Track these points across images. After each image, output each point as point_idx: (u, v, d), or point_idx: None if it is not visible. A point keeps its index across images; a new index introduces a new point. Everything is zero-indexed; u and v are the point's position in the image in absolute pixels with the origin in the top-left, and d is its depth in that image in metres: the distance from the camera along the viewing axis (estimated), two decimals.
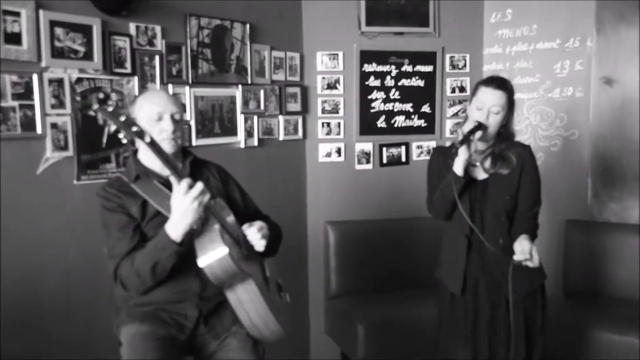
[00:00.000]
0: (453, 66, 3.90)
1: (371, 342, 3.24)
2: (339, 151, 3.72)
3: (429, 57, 3.83)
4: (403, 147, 3.87)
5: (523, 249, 2.28)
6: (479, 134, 2.31)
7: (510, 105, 2.39)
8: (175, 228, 1.80)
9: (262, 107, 3.32)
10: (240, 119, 3.20)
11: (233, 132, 3.18)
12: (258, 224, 1.99)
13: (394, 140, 3.84)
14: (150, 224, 1.93)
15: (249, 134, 3.26)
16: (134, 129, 1.66)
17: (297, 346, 3.68)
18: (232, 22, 3.12)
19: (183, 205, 1.76)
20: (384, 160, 3.83)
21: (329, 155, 3.70)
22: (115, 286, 1.96)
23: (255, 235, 1.95)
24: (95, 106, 1.65)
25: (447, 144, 3.90)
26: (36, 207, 2.38)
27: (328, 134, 3.69)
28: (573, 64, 3.63)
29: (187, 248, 1.83)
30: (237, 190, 2.20)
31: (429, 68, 3.84)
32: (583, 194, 3.62)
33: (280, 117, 3.46)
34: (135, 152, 2.06)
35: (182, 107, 2.09)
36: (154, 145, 1.71)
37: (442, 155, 2.54)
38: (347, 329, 3.37)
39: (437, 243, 3.63)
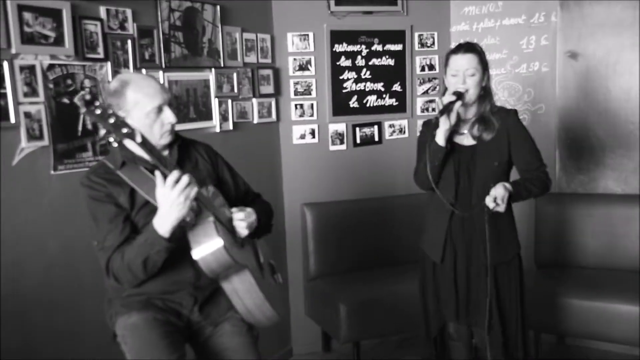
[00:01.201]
0: (422, 44, 3.93)
1: (354, 322, 3.28)
2: (312, 133, 3.71)
3: (398, 36, 3.85)
4: (376, 127, 3.89)
5: (497, 194, 2.32)
6: (458, 103, 2.37)
7: (483, 66, 2.47)
8: (163, 223, 1.75)
9: (235, 90, 3.28)
10: (214, 102, 3.16)
11: (208, 116, 3.13)
12: (246, 211, 1.97)
13: (366, 120, 3.86)
14: (140, 214, 1.88)
15: (223, 117, 3.22)
16: (125, 130, 1.58)
17: (277, 328, 3.69)
18: (202, 3, 3.06)
19: (169, 199, 1.71)
20: (358, 141, 3.85)
21: (303, 137, 3.70)
22: (108, 279, 1.91)
23: (240, 222, 1.94)
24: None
25: (419, 122, 3.95)
26: (13, 200, 2.29)
27: (301, 115, 3.68)
28: (539, 39, 3.71)
29: (178, 243, 1.79)
30: (226, 170, 2.16)
31: (398, 47, 3.87)
32: (551, 166, 3.72)
33: (254, 100, 3.43)
34: None
35: None
36: (145, 145, 1.65)
37: (430, 127, 2.57)
38: (329, 309, 3.40)
39: (414, 220, 3.71)
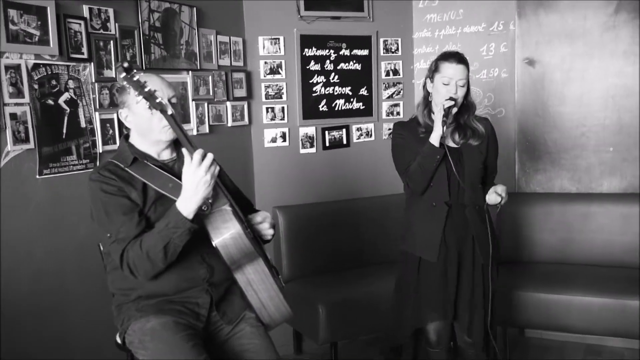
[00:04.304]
0: (387, 50, 4.04)
1: (333, 322, 3.31)
2: (283, 136, 3.73)
3: (364, 41, 3.93)
4: (344, 130, 3.96)
5: (502, 189, 2.50)
6: (455, 109, 2.46)
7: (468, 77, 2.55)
8: (188, 204, 1.76)
9: (211, 93, 3.26)
10: (192, 105, 3.12)
11: (186, 119, 3.10)
12: (260, 214, 2.05)
13: (335, 124, 3.92)
14: (152, 209, 1.87)
15: (200, 120, 3.19)
16: (158, 100, 1.67)
17: None
18: (180, 5, 3.02)
19: (196, 177, 1.72)
20: (327, 144, 3.90)
21: (274, 140, 3.71)
22: (111, 276, 1.89)
23: (262, 225, 2.01)
24: (122, 74, 1.62)
25: (384, 125, 4.07)
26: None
27: (272, 119, 3.69)
28: (498, 47, 3.89)
29: (200, 226, 1.80)
30: (227, 177, 2.17)
31: (365, 52, 3.95)
32: (511, 167, 3.92)
33: (228, 104, 3.41)
34: (127, 136, 1.97)
35: None
36: (175, 119, 1.71)
37: (407, 129, 2.64)
38: (305, 311, 3.41)
39: (381, 221, 3.82)
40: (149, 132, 1.90)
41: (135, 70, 1.69)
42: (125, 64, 1.67)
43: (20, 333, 2.26)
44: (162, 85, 1.89)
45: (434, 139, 2.47)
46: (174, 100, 1.90)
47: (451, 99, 2.46)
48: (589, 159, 3.76)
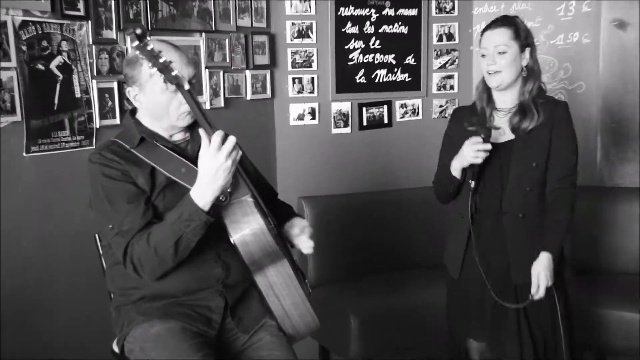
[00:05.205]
0: (440, 9, 4.03)
1: (367, 336, 3.34)
2: (312, 112, 3.76)
3: None
4: (385, 107, 3.97)
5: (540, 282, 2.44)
6: (487, 146, 2.38)
7: (521, 42, 2.47)
8: (204, 193, 1.80)
9: (227, 59, 3.30)
10: (205, 74, 3.18)
11: (197, 90, 3.15)
12: (301, 225, 2.13)
13: (375, 99, 3.94)
14: (160, 197, 1.92)
15: (214, 92, 3.25)
16: (174, 73, 1.72)
17: None
18: None
19: (215, 163, 1.76)
20: (364, 123, 3.92)
21: (301, 117, 3.74)
22: (110, 273, 1.95)
23: (304, 242, 2.10)
24: (135, 43, 1.67)
25: (435, 102, 4.07)
26: None
27: (300, 92, 3.72)
28: (579, 5, 3.84)
29: (217, 219, 1.85)
30: (248, 160, 2.21)
31: (413, 11, 3.95)
32: (591, 156, 3.88)
33: (247, 72, 3.46)
34: (133, 111, 2.02)
35: None
36: (192, 95, 1.75)
37: (458, 119, 2.61)
38: (334, 322, 3.45)
39: (429, 216, 3.83)
40: (164, 116, 1.96)
41: (149, 38, 1.72)
42: (138, 30, 1.72)
43: (5, 328, 2.35)
44: (181, 60, 1.91)
45: (455, 168, 2.46)
46: (193, 81, 1.94)
47: (483, 131, 2.40)
48: None
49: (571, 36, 3.89)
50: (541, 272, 2.44)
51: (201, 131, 1.80)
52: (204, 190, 1.80)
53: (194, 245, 1.84)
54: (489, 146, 2.36)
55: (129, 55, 1.94)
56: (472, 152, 2.37)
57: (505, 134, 2.53)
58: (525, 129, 2.47)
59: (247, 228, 1.85)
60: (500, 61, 2.44)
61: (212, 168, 1.77)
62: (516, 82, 2.50)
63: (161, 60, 1.72)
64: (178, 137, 2.02)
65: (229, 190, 1.86)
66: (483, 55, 2.50)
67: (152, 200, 1.92)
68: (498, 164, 2.49)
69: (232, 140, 1.79)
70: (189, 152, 2.00)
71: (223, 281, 1.99)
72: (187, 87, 1.76)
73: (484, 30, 2.53)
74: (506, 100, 2.54)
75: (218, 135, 1.77)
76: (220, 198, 1.84)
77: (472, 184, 2.45)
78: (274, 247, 1.88)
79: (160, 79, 1.83)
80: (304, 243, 2.12)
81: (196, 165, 1.83)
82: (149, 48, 1.72)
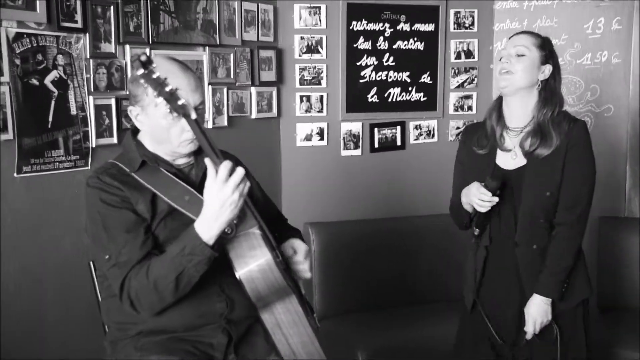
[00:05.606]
0: (458, 24, 4.09)
1: None
2: (321, 133, 3.82)
3: (429, 13, 4.00)
4: (398, 128, 4.02)
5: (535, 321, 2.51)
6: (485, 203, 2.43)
7: (545, 52, 2.49)
8: (210, 227, 1.82)
9: (232, 75, 3.36)
10: (208, 90, 3.24)
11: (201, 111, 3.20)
12: (304, 251, 2.13)
13: (387, 119, 3.99)
14: (161, 225, 1.95)
15: (217, 110, 3.30)
16: (180, 102, 1.71)
17: None
18: None
19: (222, 196, 1.79)
20: (376, 145, 3.97)
21: (309, 138, 3.79)
22: (106, 305, 1.96)
23: (302, 266, 2.11)
24: (140, 71, 1.67)
25: (452, 124, 4.12)
26: None
27: (308, 110, 3.78)
28: (609, 22, 3.90)
29: (221, 254, 1.87)
30: (257, 186, 2.25)
31: (430, 27, 4.01)
32: (619, 185, 3.92)
33: (253, 89, 3.52)
34: (134, 132, 2.06)
35: None
36: (199, 125, 1.76)
37: (470, 138, 2.63)
38: (340, 357, 3.48)
39: (443, 245, 3.86)
40: (164, 141, 1.99)
41: (154, 65, 1.71)
42: (143, 57, 1.72)
43: None
44: (188, 86, 1.93)
45: (464, 202, 2.52)
46: (200, 107, 1.98)
47: (497, 178, 2.43)
48: None
49: (600, 55, 3.95)
50: (537, 320, 2.49)
51: (207, 160, 1.82)
52: (209, 224, 1.82)
53: (196, 281, 1.87)
54: (495, 199, 2.40)
55: (135, 73, 1.97)
56: (477, 199, 2.42)
57: (517, 158, 2.52)
58: (540, 155, 2.46)
59: (253, 263, 1.88)
60: (516, 64, 2.47)
61: (219, 201, 1.80)
62: (527, 95, 2.50)
63: (167, 89, 1.72)
64: (181, 161, 2.05)
65: (235, 222, 1.89)
66: (501, 59, 2.52)
67: (153, 229, 1.95)
68: (510, 193, 2.50)
69: (240, 172, 1.81)
70: (192, 178, 2.04)
71: (226, 317, 2.01)
72: (194, 116, 1.75)
73: (510, 38, 2.58)
74: (518, 117, 2.53)
75: (225, 167, 1.79)
76: (226, 230, 1.86)
77: (477, 231, 2.53)
78: (281, 284, 1.91)
79: (165, 107, 1.84)
80: (299, 266, 2.13)
81: (200, 192, 1.86)
82: (154, 77, 1.71)
